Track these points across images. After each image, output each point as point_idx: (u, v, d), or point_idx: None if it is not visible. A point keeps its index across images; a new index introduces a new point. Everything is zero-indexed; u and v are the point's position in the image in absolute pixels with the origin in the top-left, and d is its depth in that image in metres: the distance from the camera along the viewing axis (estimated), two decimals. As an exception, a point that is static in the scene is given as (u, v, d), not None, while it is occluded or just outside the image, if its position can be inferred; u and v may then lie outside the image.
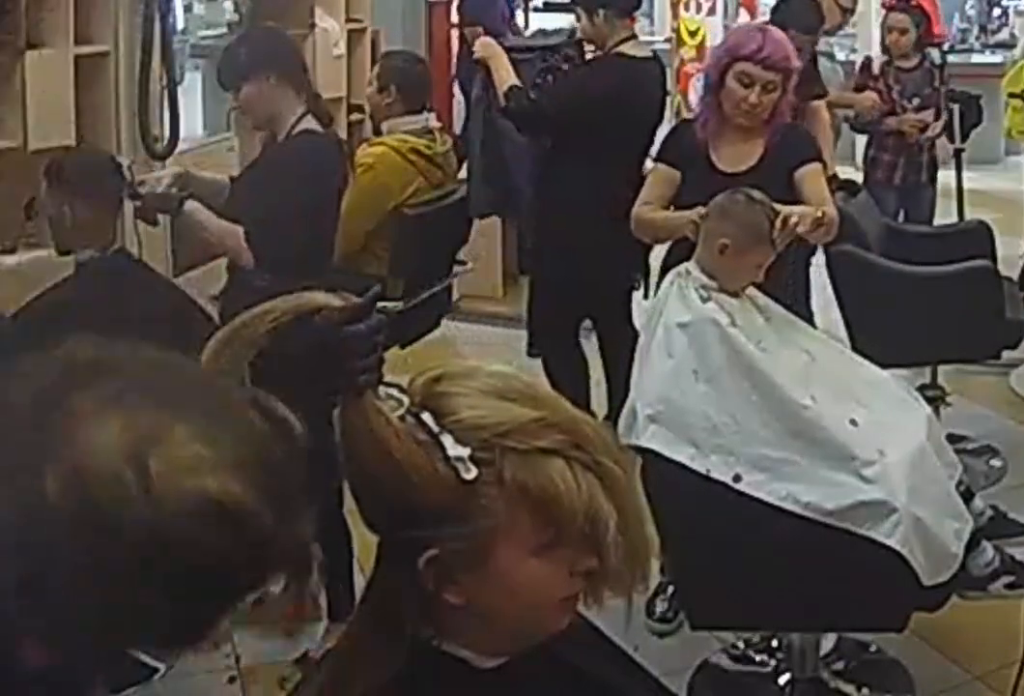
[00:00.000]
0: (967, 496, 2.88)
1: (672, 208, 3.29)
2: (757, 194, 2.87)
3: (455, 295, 4.89)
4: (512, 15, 4.82)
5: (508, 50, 4.16)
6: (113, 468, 0.82)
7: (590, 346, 4.51)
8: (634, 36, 4.18)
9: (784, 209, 2.86)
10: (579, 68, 4.33)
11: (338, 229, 3.53)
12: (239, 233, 3.14)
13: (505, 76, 4.10)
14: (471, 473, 1.13)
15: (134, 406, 0.86)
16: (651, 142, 4.15)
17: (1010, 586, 2.91)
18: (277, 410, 0.99)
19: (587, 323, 4.53)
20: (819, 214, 2.92)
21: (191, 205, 3.16)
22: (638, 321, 4.33)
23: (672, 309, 2.81)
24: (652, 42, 9.10)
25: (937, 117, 5.27)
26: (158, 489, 0.82)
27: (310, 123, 3.28)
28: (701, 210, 2.94)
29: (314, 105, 3.32)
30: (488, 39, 4.29)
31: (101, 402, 0.86)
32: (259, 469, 0.87)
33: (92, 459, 0.82)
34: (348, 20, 6.22)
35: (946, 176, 5.46)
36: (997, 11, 10.61)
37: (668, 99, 4.45)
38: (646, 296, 4.24)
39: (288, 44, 3.47)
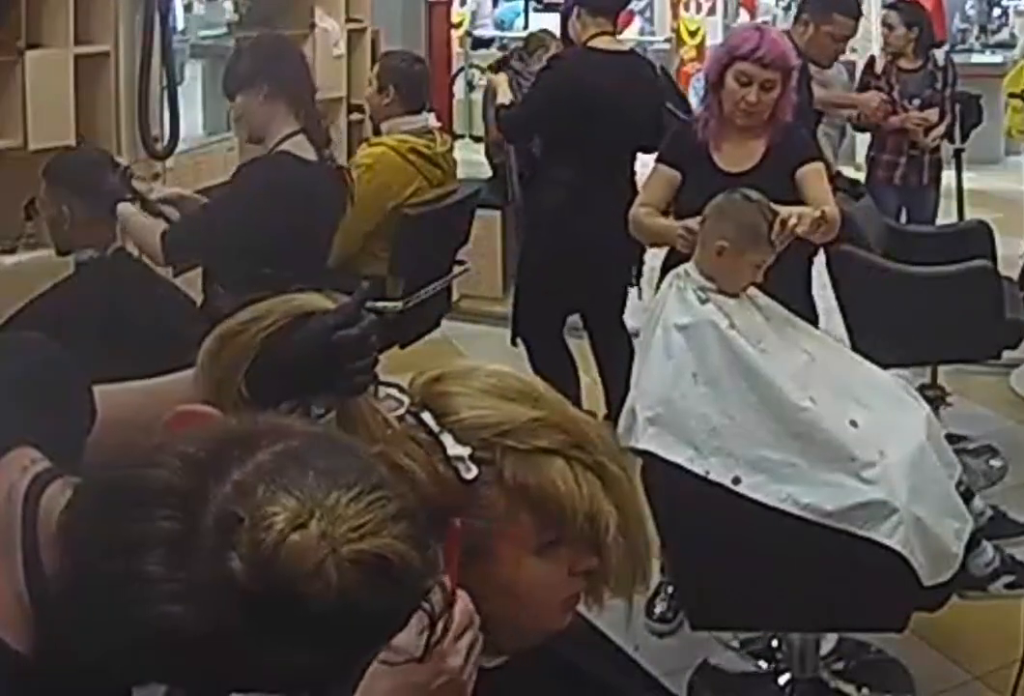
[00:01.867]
0: (967, 496, 2.88)
1: (673, 208, 3.29)
2: (754, 194, 2.86)
3: (455, 295, 4.89)
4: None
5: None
6: (296, 544, 0.85)
7: (583, 346, 4.50)
8: (608, 33, 4.19)
9: (783, 210, 2.85)
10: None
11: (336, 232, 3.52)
12: (156, 232, 3.12)
13: (500, 96, 4.30)
14: (471, 473, 1.13)
15: (295, 478, 0.87)
16: (641, 136, 4.10)
17: (1010, 586, 2.90)
18: (400, 460, 1.06)
19: (578, 323, 4.52)
20: (818, 214, 2.92)
21: (123, 206, 3.11)
22: (629, 320, 4.34)
23: (671, 311, 2.80)
24: (652, 42, 9.16)
25: (941, 119, 5.26)
26: (336, 558, 0.85)
27: (296, 145, 3.18)
28: (690, 222, 2.93)
29: (310, 126, 3.22)
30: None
31: (263, 476, 0.87)
32: (405, 521, 0.90)
33: (274, 537, 0.84)
34: (348, 20, 6.22)
35: (946, 176, 5.45)
36: (997, 11, 10.61)
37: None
38: (640, 296, 4.25)
39: (290, 58, 3.35)
